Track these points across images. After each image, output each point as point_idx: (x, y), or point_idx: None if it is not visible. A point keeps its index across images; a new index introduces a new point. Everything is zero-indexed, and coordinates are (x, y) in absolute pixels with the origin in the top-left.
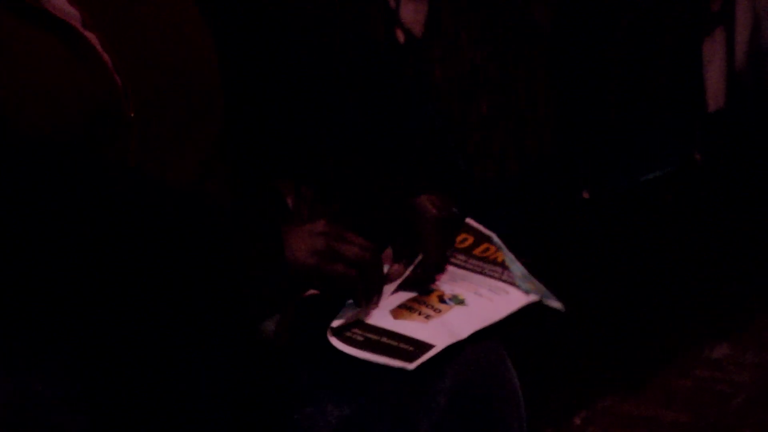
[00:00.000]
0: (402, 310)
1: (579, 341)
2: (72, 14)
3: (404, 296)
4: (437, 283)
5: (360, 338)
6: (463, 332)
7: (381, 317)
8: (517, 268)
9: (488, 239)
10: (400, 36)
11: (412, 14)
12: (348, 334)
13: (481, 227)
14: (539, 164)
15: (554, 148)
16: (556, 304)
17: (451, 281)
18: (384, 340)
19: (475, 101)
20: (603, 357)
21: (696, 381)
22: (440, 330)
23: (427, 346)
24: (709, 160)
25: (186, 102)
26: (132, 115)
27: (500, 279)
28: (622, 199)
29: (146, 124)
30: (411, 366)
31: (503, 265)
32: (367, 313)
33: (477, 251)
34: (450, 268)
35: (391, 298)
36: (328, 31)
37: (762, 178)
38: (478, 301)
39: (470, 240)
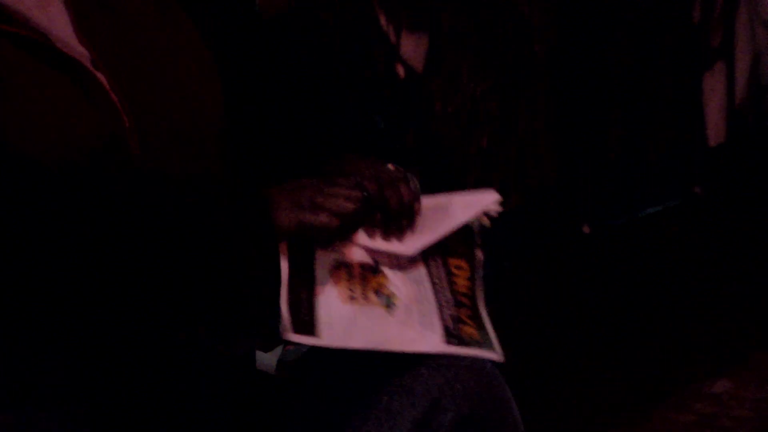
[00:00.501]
0: (340, 271)
1: (580, 375)
2: (82, 53)
3: (362, 256)
4: (390, 269)
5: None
6: (353, 343)
7: (322, 265)
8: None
9: (470, 258)
10: (401, 71)
11: (412, 49)
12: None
13: (478, 246)
14: (539, 198)
15: (555, 182)
16: (494, 356)
17: (404, 278)
18: (303, 295)
19: (476, 135)
20: (604, 391)
21: (697, 416)
22: (341, 324)
23: (313, 335)
24: (709, 194)
25: (190, 140)
26: (138, 153)
27: (440, 311)
28: (623, 233)
29: (151, 161)
30: (285, 335)
31: (456, 298)
32: (324, 253)
33: (451, 260)
34: (411, 266)
35: (353, 250)
36: (327, 31)
37: (762, 213)
38: (401, 318)
39: (456, 247)
